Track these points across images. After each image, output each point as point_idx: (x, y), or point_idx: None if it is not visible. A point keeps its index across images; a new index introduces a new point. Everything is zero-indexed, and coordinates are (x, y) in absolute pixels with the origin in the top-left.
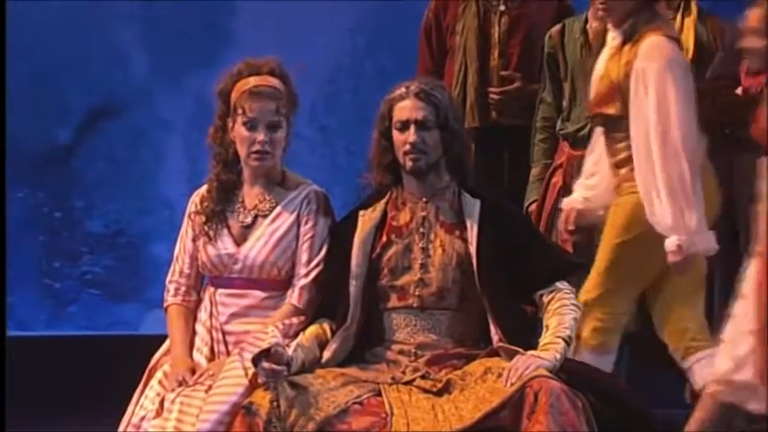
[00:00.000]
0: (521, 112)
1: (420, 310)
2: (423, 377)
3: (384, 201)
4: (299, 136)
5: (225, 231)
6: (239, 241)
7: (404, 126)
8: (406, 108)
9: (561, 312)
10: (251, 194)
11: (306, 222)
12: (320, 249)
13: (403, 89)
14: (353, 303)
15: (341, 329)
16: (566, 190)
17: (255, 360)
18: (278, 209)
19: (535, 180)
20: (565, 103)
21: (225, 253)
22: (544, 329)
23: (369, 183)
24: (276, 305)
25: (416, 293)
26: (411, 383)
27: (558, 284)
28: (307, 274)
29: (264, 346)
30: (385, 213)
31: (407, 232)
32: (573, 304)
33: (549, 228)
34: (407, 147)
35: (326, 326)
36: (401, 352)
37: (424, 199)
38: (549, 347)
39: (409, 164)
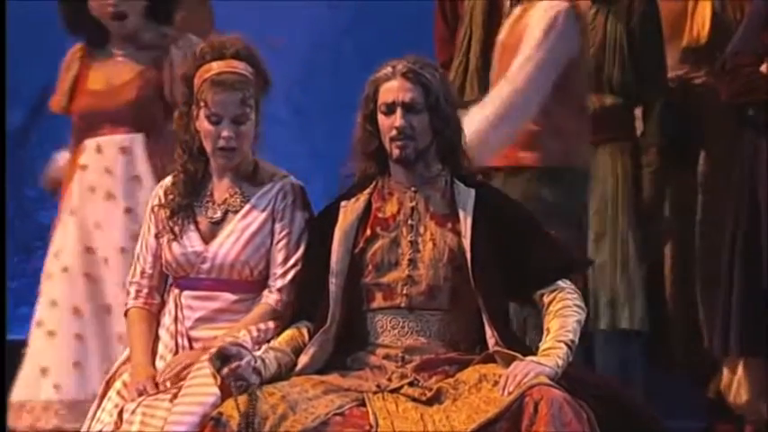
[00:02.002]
0: None
1: (408, 310)
2: (411, 384)
3: (368, 191)
4: (274, 120)
5: (192, 227)
6: (207, 238)
7: (390, 109)
8: (393, 89)
9: (564, 314)
10: (220, 187)
11: (281, 218)
12: (297, 247)
13: (389, 68)
14: (333, 303)
15: (320, 332)
16: None
17: (214, 365)
18: (250, 203)
19: None
20: None
21: (192, 251)
22: (545, 332)
23: (352, 172)
24: (248, 309)
25: (404, 292)
26: (398, 391)
27: (561, 283)
28: (284, 275)
29: (217, 348)
30: (369, 204)
31: (394, 225)
32: (576, 305)
33: None
34: (393, 132)
35: (304, 329)
36: (387, 357)
37: (413, 188)
38: (551, 353)
39: (396, 151)
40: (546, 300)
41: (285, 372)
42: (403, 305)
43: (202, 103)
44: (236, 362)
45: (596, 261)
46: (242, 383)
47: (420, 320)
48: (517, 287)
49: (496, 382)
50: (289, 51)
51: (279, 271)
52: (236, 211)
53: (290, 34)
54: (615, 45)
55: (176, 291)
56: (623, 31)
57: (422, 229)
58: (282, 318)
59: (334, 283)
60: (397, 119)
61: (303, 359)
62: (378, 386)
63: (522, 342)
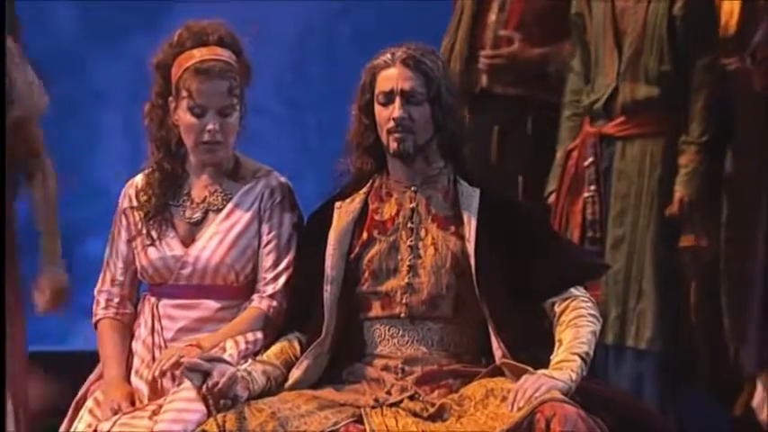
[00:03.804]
0: (518, 80)
1: (408, 320)
2: (411, 398)
3: (365, 190)
4: (263, 111)
5: (169, 230)
6: (187, 241)
7: (388, 99)
8: (391, 77)
9: (577, 324)
10: (199, 186)
11: (269, 218)
12: (288, 250)
13: (388, 55)
14: (328, 313)
15: (313, 344)
16: (578, 176)
17: (193, 380)
18: (233, 202)
19: (557, 166)
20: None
21: (170, 255)
22: (557, 344)
23: (346, 168)
24: (234, 317)
25: (404, 301)
26: (398, 405)
27: (574, 291)
28: (275, 279)
29: (189, 361)
30: (366, 205)
31: (393, 228)
32: (591, 315)
33: (565, 223)
34: (391, 124)
35: (295, 341)
36: (386, 368)
37: (413, 188)
38: (564, 366)
39: (393, 144)
40: (558, 309)
41: (275, 386)
42: (403, 315)
43: (185, 93)
44: (217, 377)
45: (611, 269)
46: (226, 400)
47: (421, 329)
48: (526, 295)
49: (504, 398)
50: (278, 36)
51: (269, 275)
52: (218, 211)
53: (279, 17)
54: (654, 32)
55: (152, 299)
56: (664, 18)
57: (422, 233)
58: (273, 326)
59: (328, 292)
60: (396, 109)
61: (295, 373)
62: (376, 400)
63: (536, 356)
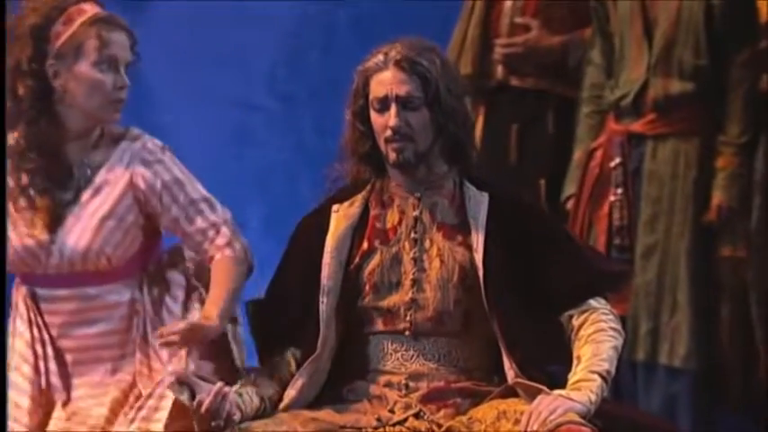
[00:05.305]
0: (537, 71)
1: (413, 337)
2: (417, 416)
3: (364, 194)
4: (254, 107)
5: (34, 212)
6: (53, 226)
7: (383, 105)
8: (385, 81)
9: (597, 340)
10: (66, 160)
11: (162, 186)
12: (207, 201)
13: (380, 56)
14: (324, 327)
15: (308, 361)
16: (603, 178)
17: (182, 396)
18: (100, 176)
19: (575, 167)
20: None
21: (34, 243)
22: (575, 361)
23: (339, 175)
24: (118, 300)
25: (408, 318)
26: (402, 424)
27: (593, 303)
28: (217, 232)
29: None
30: (366, 210)
31: (396, 237)
32: (612, 329)
33: (588, 229)
34: (388, 133)
35: (290, 358)
36: (389, 384)
37: (417, 194)
38: (582, 385)
39: (392, 155)
40: (575, 323)
41: (269, 407)
42: (407, 333)
43: (93, 44)
44: (204, 394)
45: (641, 279)
46: (218, 421)
47: (427, 343)
48: (541, 308)
49: (518, 421)
50: (271, 25)
51: (211, 233)
52: (87, 188)
53: (272, 4)
54: (689, 22)
55: (24, 290)
56: (701, 7)
57: (427, 244)
58: (249, 264)
59: (324, 303)
60: (392, 117)
61: (290, 393)
62: (378, 420)
63: (552, 374)
